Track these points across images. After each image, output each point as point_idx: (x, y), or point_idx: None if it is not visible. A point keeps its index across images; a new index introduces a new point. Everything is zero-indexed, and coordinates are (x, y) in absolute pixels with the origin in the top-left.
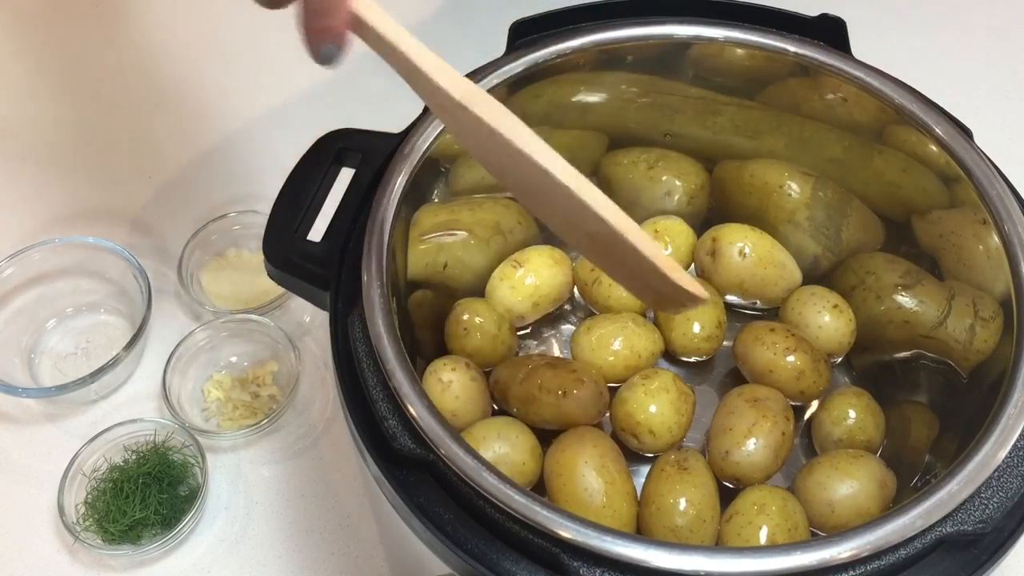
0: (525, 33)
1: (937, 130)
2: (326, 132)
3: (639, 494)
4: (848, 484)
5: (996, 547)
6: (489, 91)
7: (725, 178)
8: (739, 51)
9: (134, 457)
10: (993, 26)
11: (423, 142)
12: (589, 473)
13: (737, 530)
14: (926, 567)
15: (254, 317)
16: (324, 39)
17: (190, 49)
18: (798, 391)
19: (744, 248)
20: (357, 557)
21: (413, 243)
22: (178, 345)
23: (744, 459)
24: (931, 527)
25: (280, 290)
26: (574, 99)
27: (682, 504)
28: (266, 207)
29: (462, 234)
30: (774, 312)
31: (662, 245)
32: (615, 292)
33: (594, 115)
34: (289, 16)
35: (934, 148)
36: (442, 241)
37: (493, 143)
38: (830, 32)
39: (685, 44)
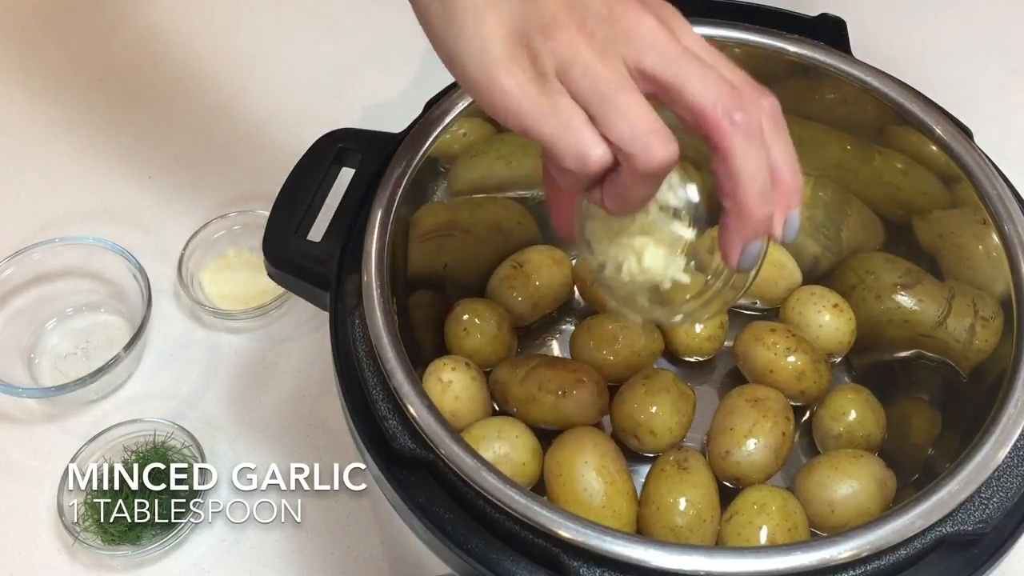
0: None
1: (937, 130)
2: (326, 132)
3: (639, 494)
4: (848, 484)
5: (996, 547)
6: None
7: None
8: (739, 51)
9: (134, 457)
10: (993, 25)
11: (423, 142)
12: (589, 473)
13: (737, 530)
14: (926, 567)
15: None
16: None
17: (190, 49)
18: (798, 391)
19: None
20: (357, 557)
21: (413, 243)
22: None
23: (744, 459)
24: (931, 527)
25: (280, 290)
26: None
27: (682, 504)
28: (266, 207)
29: (462, 234)
30: (774, 312)
31: None
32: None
33: None
34: (287, 15)
35: (934, 148)
36: (442, 241)
37: None
38: (830, 32)
39: None
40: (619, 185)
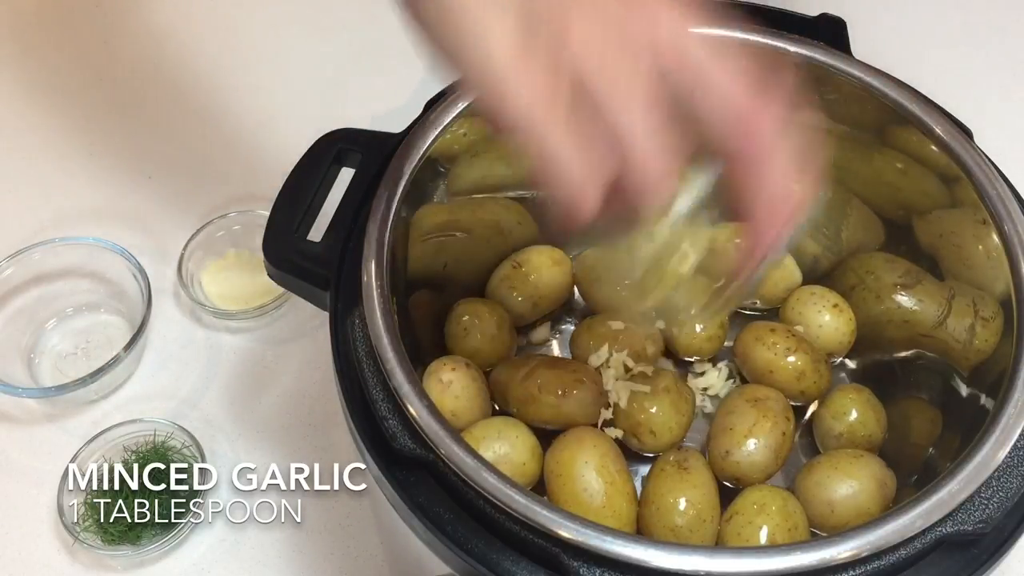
0: None
1: (937, 130)
2: (326, 132)
3: (639, 494)
4: (848, 484)
5: (996, 547)
6: None
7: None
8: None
9: (134, 457)
10: (994, 26)
11: (423, 142)
12: (589, 473)
13: (737, 530)
14: (926, 567)
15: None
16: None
17: (190, 49)
18: (799, 391)
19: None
20: (357, 557)
21: (413, 243)
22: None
23: (744, 459)
24: (931, 527)
25: (280, 290)
26: None
27: (682, 504)
28: (266, 207)
29: (462, 234)
30: (774, 312)
31: None
32: (615, 292)
33: None
34: (287, 15)
35: (934, 148)
36: (442, 241)
37: None
38: (830, 32)
39: None
40: (622, 198)
